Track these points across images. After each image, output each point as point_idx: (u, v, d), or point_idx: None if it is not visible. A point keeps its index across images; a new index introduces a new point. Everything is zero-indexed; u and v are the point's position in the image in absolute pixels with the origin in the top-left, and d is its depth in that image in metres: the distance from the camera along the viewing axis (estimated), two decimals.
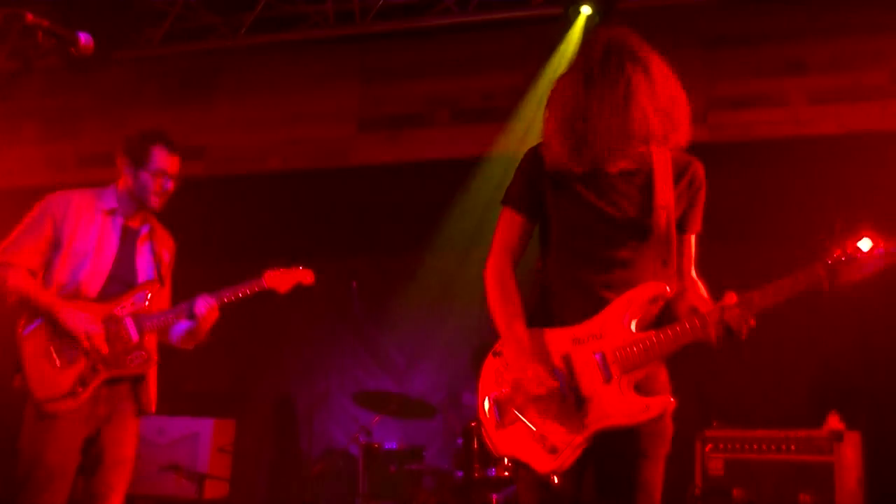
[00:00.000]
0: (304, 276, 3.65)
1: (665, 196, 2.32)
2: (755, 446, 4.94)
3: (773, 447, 4.89)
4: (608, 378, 2.24)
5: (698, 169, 2.43)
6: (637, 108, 2.22)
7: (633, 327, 2.26)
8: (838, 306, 6.57)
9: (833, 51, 5.15)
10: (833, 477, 4.68)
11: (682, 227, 2.39)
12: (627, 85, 2.23)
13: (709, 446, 5.10)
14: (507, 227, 2.46)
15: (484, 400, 2.37)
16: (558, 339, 2.32)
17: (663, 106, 2.25)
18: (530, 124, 5.46)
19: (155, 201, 3.37)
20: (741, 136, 5.22)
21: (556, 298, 2.39)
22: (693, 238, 2.45)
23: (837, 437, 4.75)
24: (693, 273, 2.45)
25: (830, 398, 6.22)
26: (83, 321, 3.15)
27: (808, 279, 2.18)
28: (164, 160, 3.34)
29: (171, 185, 3.37)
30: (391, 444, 6.15)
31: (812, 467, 4.75)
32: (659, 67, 2.29)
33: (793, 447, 4.84)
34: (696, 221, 2.44)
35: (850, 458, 4.81)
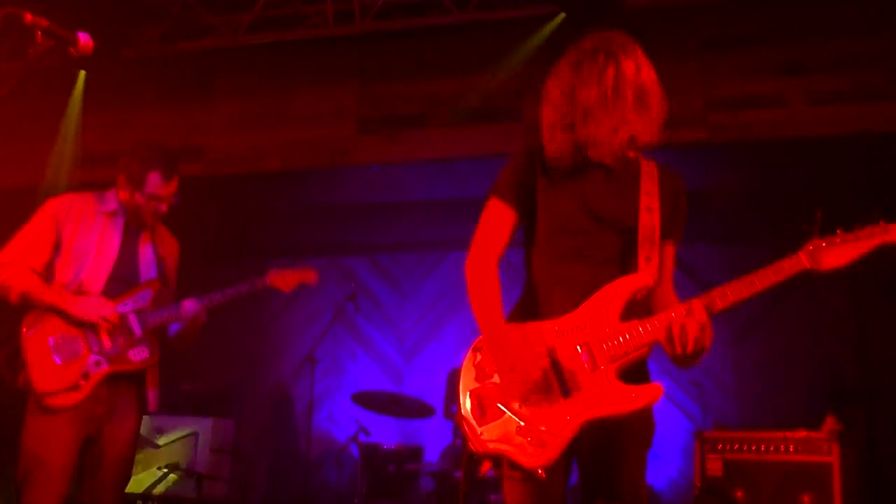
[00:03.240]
0: (307, 275, 3.69)
1: (650, 200, 2.36)
2: (754, 447, 4.94)
3: (772, 448, 4.89)
4: (594, 368, 2.24)
5: (682, 182, 2.47)
6: (622, 105, 2.28)
7: (617, 317, 2.27)
8: (837, 307, 6.59)
9: (832, 51, 5.16)
10: (832, 477, 4.68)
11: (663, 234, 2.40)
12: (610, 74, 2.28)
13: (707, 447, 5.09)
14: (493, 219, 2.45)
15: (465, 396, 2.35)
16: (542, 331, 2.32)
17: (646, 104, 2.31)
18: (530, 124, 5.47)
19: (148, 220, 3.44)
20: (740, 137, 5.21)
21: (541, 294, 2.40)
22: (672, 250, 2.46)
23: (836, 437, 4.75)
24: (671, 288, 2.45)
25: (829, 398, 6.24)
26: (93, 306, 3.19)
27: (791, 267, 2.20)
28: (159, 187, 3.37)
29: (164, 208, 3.42)
30: (390, 444, 6.15)
31: (811, 468, 4.75)
32: (642, 66, 2.34)
33: (792, 448, 4.84)
34: (677, 232, 2.45)
35: (849, 458, 4.81)
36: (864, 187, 5.58)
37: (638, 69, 2.31)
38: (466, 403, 2.34)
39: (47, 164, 6.18)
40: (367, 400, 6.21)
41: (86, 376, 3.17)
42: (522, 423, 2.23)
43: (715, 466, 5.02)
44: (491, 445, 2.26)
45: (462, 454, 5.50)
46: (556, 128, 2.34)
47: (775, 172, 5.89)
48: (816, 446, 4.78)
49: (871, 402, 6.33)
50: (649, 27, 5.07)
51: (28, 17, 2.20)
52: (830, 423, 4.84)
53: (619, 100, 2.28)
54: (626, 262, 2.35)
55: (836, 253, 2.19)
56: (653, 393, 2.21)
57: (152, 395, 3.38)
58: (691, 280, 6.21)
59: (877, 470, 5.87)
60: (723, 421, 6.02)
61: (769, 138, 5.20)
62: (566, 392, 2.24)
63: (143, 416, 3.40)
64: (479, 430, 2.29)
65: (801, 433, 4.86)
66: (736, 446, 5.00)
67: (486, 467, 2.30)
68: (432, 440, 6.96)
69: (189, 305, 3.38)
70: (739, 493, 4.91)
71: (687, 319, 2.17)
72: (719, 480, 4.98)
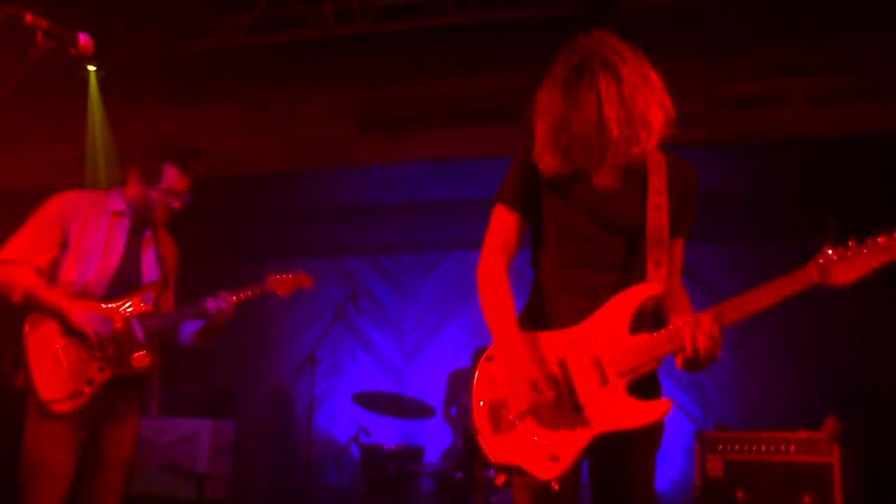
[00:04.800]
0: (303, 281, 3.69)
1: (658, 198, 2.32)
2: (755, 447, 4.94)
3: (772, 448, 4.89)
4: (604, 382, 2.21)
5: (691, 173, 2.41)
6: (608, 114, 2.17)
7: (627, 329, 2.24)
8: (838, 308, 6.59)
9: (833, 51, 5.15)
10: (833, 478, 4.68)
11: (671, 230, 2.36)
12: (598, 92, 2.18)
13: (708, 447, 5.09)
14: (501, 225, 2.42)
15: (479, 406, 2.32)
16: (553, 342, 2.29)
17: (636, 110, 2.19)
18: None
19: (160, 217, 3.42)
20: (741, 137, 5.21)
21: (549, 301, 2.38)
22: (681, 243, 2.43)
23: (837, 438, 4.75)
24: (678, 280, 2.42)
25: (829, 399, 6.24)
26: (92, 319, 3.17)
27: (801, 281, 2.14)
28: (176, 181, 3.35)
29: (177, 205, 3.40)
30: (390, 445, 6.15)
31: (812, 468, 4.75)
32: (634, 71, 2.22)
33: (792, 448, 4.84)
34: (686, 226, 2.41)
35: (849, 459, 4.81)
36: (865, 187, 5.58)
37: (621, 83, 2.18)
38: (480, 414, 2.31)
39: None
40: (368, 400, 6.21)
41: (89, 382, 3.15)
42: (536, 438, 2.22)
43: (715, 467, 5.02)
44: (504, 457, 2.24)
45: (467, 455, 5.49)
46: (546, 145, 2.28)
47: (776, 173, 5.89)
48: (817, 447, 4.78)
49: (872, 403, 6.32)
50: (651, 27, 5.08)
51: (28, 17, 2.20)
52: (831, 423, 4.84)
53: (605, 122, 2.17)
54: (633, 267, 2.32)
55: (848, 267, 2.12)
56: (662, 409, 2.20)
57: (152, 398, 3.38)
58: (692, 280, 6.20)
59: (877, 470, 5.86)
60: (723, 421, 6.02)
61: (770, 139, 5.19)
62: (577, 407, 2.22)
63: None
64: (491, 439, 2.27)
65: (802, 434, 4.86)
66: (736, 447, 5.00)
67: (500, 480, 2.28)
68: (432, 441, 6.96)
69: (214, 300, 3.38)
70: (740, 494, 4.90)
71: (697, 333, 2.14)
72: (720, 481, 4.98)
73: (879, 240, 2.11)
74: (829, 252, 2.13)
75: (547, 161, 2.29)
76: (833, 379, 6.53)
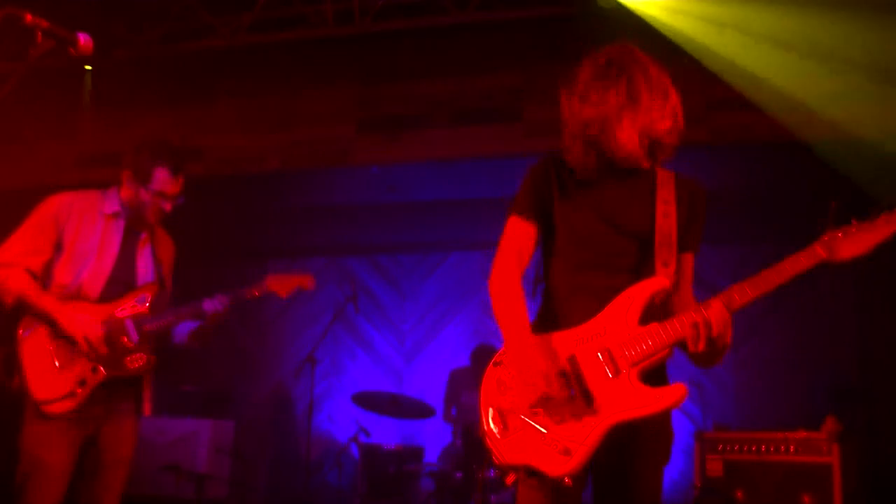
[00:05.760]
0: (304, 281, 3.66)
1: (666, 207, 2.38)
2: (754, 448, 4.94)
3: (772, 448, 4.89)
4: (616, 372, 2.24)
5: (701, 190, 2.48)
6: (632, 115, 2.31)
7: (636, 321, 2.27)
8: (838, 308, 6.59)
9: (832, 52, 5.15)
10: (832, 478, 4.67)
11: (681, 245, 2.41)
12: (630, 80, 2.32)
13: (708, 447, 5.09)
14: (515, 235, 2.46)
15: (487, 411, 2.33)
16: (563, 341, 2.32)
17: (657, 113, 2.33)
18: (531, 125, 5.48)
19: (151, 218, 3.40)
20: (741, 137, 5.21)
21: (560, 304, 2.41)
22: (691, 258, 2.47)
23: (836, 437, 4.75)
24: (690, 294, 2.46)
25: (829, 399, 6.24)
26: (82, 324, 3.16)
27: (808, 260, 2.19)
28: (167, 183, 3.34)
29: (168, 207, 3.39)
30: (390, 445, 6.15)
31: (811, 468, 4.75)
32: (661, 78, 2.38)
33: (792, 448, 4.84)
34: (695, 241, 2.46)
35: (849, 458, 4.81)
36: (865, 189, 5.57)
37: (648, 79, 2.33)
38: (489, 417, 2.32)
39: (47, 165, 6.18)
40: (367, 400, 6.21)
41: (82, 383, 3.15)
42: (546, 433, 2.22)
43: (715, 467, 5.02)
44: (515, 457, 2.24)
45: (466, 455, 5.49)
46: (576, 138, 2.38)
47: (776, 173, 5.89)
48: (816, 447, 4.78)
49: (872, 403, 6.33)
50: (651, 26, 5.08)
51: (28, 17, 2.20)
52: (830, 423, 4.84)
53: (634, 109, 2.30)
54: (643, 269, 2.36)
55: (853, 242, 2.17)
56: (677, 393, 2.21)
57: (147, 399, 3.37)
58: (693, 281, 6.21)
59: (877, 470, 5.87)
60: (723, 421, 6.02)
61: (770, 139, 5.19)
62: (589, 399, 2.23)
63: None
64: (501, 443, 2.28)
65: (801, 434, 4.86)
66: (736, 447, 5.00)
67: (510, 479, 2.28)
68: (432, 441, 6.96)
69: (211, 302, 3.37)
70: (739, 494, 4.90)
71: (709, 315, 2.17)
72: (719, 481, 4.98)
73: (882, 215, 2.18)
74: (834, 230, 2.19)
75: (575, 154, 2.39)
76: (833, 379, 6.53)
